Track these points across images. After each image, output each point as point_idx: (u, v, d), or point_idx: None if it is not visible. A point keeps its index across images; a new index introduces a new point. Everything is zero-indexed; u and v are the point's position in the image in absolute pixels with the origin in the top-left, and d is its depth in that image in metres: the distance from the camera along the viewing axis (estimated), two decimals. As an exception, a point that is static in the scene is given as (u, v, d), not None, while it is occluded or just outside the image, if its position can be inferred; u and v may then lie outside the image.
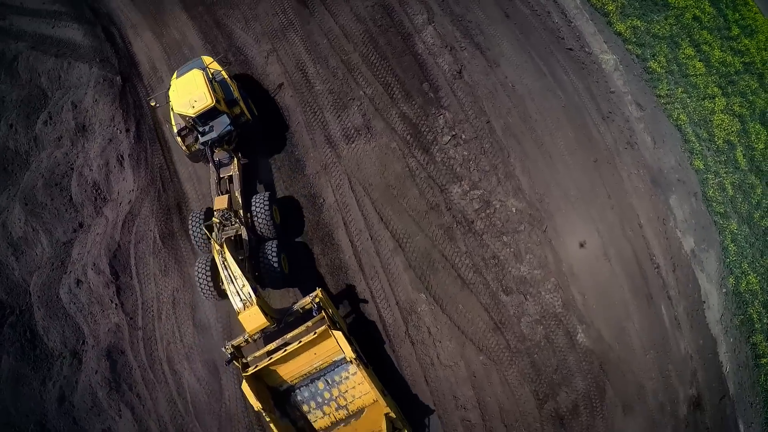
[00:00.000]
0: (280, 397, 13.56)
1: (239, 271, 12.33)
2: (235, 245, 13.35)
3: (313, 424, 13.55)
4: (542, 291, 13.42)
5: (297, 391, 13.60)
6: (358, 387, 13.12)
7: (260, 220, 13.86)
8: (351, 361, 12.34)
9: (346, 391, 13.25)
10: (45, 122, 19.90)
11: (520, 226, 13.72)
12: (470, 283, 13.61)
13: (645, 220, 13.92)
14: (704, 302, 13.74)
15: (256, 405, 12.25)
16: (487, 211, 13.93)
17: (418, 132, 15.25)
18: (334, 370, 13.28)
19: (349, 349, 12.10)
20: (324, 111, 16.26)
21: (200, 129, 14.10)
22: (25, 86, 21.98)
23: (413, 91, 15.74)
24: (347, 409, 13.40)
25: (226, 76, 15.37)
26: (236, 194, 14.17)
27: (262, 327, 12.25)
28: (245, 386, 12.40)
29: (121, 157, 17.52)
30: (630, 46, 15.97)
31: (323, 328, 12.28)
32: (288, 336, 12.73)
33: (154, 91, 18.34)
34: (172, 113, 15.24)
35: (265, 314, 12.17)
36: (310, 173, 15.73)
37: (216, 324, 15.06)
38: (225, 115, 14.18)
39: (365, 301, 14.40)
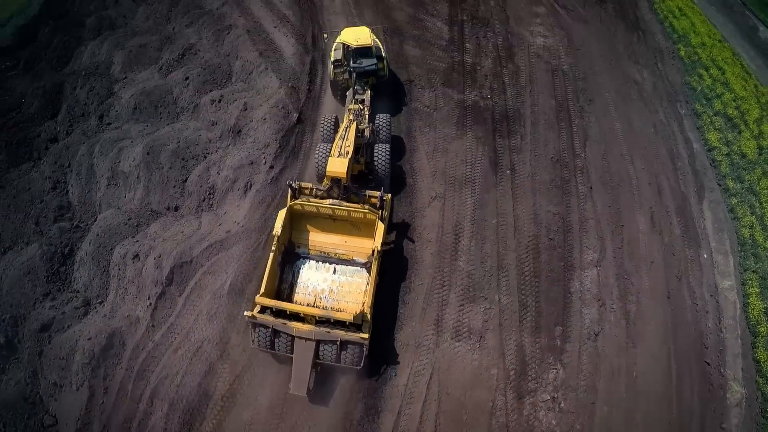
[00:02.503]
0: (290, 256, 14.97)
1: (353, 139, 15.31)
2: (357, 135, 16.07)
3: (293, 294, 14.46)
4: None
5: (307, 260, 14.98)
6: (355, 294, 14.24)
7: (382, 129, 17.51)
8: (372, 258, 13.69)
9: (342, 288, 14.42)
10: (213, 100, 20.70)
11: None
12: None
13: None
14: None
15: (277, 229, 13.82)
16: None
17: (524, 373, 14.15)
18: (348, 265, 14.74)
19: (381, 240, 13.58)
20: (452, 290, 15.56)
21: (354, 60, 18.78)
22: (218, 56, 23.25)
23: (543, 328, 14.93)
24: (329, 301, 14.41)
25: (380, 44, 20.04)
26: (366, 111, 17.30)
27: (339, 175, 14.24)
28: (282, 212, 14.22)
29: (249, 186, 17.69)
30: (762, 381, 14.63)
31: (375, 216, 14.02)
32: (344, 203, 14.42)
33: (313, 145, 18.89)
34: (332, 52, 19.76)
35: (346, 172, 14.33)
36: (400, 342, 14.64)
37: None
38: (374, 58, 18.95)
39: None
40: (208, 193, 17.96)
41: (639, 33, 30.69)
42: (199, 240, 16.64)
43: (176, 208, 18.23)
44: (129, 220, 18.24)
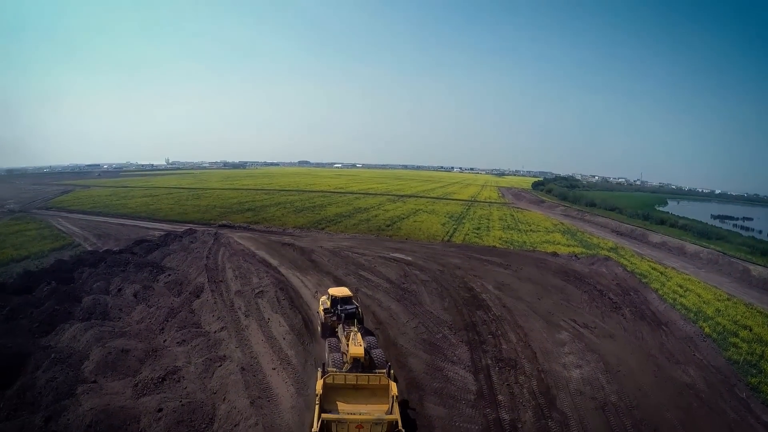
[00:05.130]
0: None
1: (360, 338, 22.00)
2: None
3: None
4: None
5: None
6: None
7: (372, 342, 23.29)
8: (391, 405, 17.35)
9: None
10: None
11: None
12: None
13: None
14: None
15: (318, 390, 17.94)
16: None
17: None
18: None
19: (395, 389, 18.04)
20: None
21: (339, 307, 25.91)
22: (203, 391, 21.34)
23: None
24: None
25: (353, 299, 27.60)
26: (358, 336, 22.21)
27: (359, 355, 20.46)
28: (320, 381, 18.51)
29: None
30: None
31: (387, 379, 18.76)
32: (362, 374, 19.24)
33: None
34: (321, 306, 27.74)
35: (363, 353, 20.76)
36: None
37: None
38: (354, 305, 26.42)
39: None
40: None
41: (663, 328, 31.30)
42: None
43: None
44: None
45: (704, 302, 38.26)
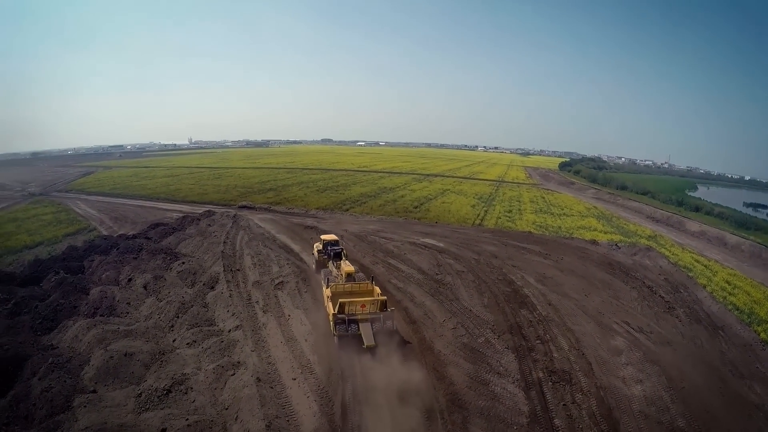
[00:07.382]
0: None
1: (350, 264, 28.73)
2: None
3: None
4: None
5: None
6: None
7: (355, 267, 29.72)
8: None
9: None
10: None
11: None
12: None
13: None
14: None
15: (328, 293, 24.64)
16: None
17: None
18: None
19: (378, 290, 25.48)
20: None
21: (329, 248, 32.18)
22: (214, 405, 18.33)
23: None
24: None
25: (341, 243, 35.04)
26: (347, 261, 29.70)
27: (351, 272, 27.18)
28: (328, 289, 25.13)
29: None
30: None
31: (372, 285, 25.94)
32: (354, 283, 26.17)
33: None
34: (315, 249, 35.13)
35: (354, 270, 27.81)
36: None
37: None
38: (339, 246, 32.78)
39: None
40: None
41: (720, 333, 28.99)
42: None
43: None
44: None
45: (755, 302, 35.31)
